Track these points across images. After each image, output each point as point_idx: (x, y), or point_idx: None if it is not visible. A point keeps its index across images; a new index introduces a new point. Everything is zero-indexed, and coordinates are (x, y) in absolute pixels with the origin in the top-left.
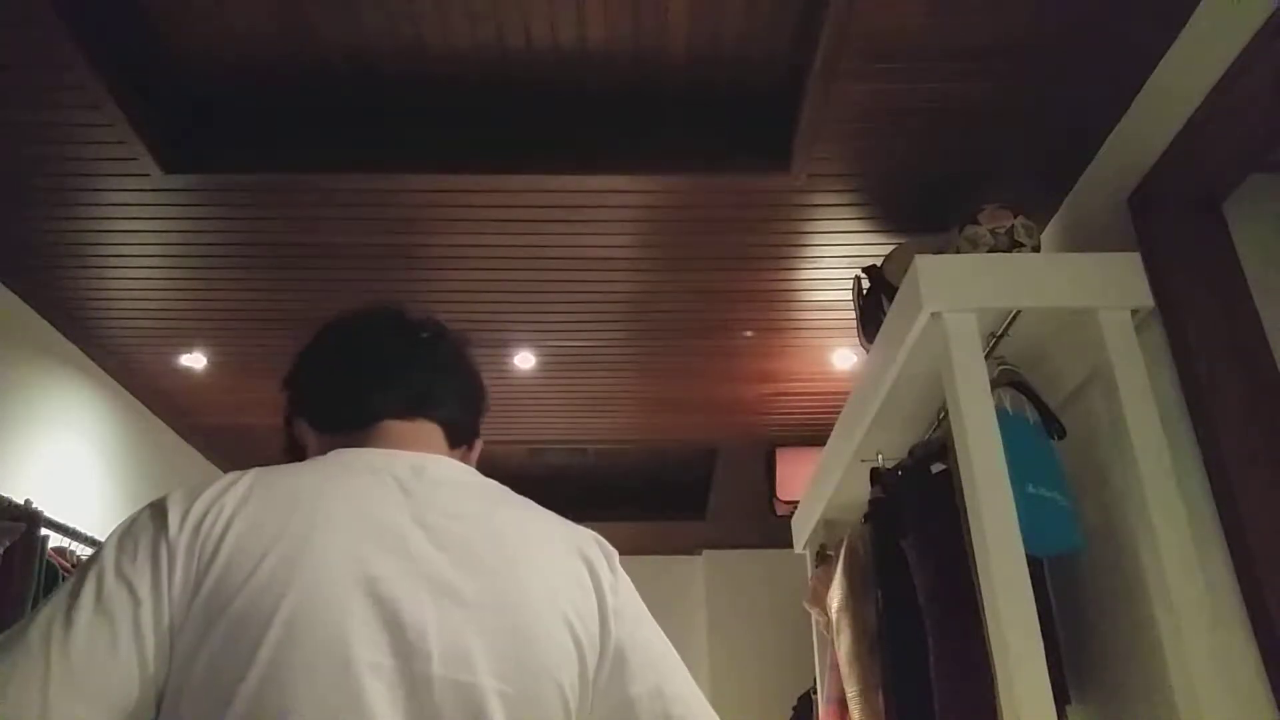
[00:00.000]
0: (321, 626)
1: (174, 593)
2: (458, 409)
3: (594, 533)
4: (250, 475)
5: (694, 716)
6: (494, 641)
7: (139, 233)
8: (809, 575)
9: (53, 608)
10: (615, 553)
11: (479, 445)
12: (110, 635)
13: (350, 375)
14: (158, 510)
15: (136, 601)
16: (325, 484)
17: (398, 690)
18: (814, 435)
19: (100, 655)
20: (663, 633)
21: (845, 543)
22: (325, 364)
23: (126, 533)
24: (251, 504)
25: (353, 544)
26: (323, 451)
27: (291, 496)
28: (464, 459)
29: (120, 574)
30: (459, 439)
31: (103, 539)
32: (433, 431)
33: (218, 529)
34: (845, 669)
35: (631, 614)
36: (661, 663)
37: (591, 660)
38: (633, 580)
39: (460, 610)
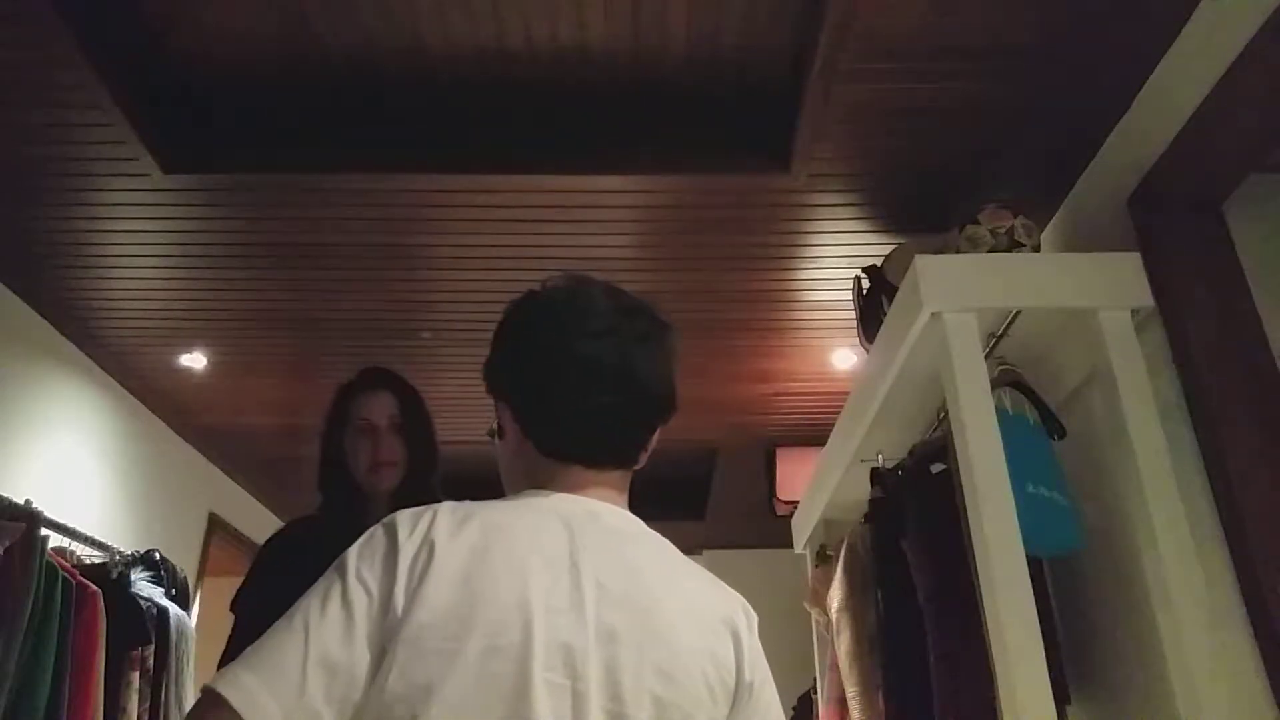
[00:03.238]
0: (511, 641)
1: (396, 599)
2: (644, 446)
3: (737, 595)
4: (455, 506)
5: None
6: (638, 680)
7: (139, 233)
8: (809, 575)
9: (305, 604)
10: (755, 618)
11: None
12: (349, 622)
13: (572, 421)
14: (390, 528)
15: (370, 599)
16: (517, 521)
17: (563, 706)
18: (814, 435)
19: (344, 641)
20: (780, 704)
21: (845, 543)
22: (553, 393)
23: (365, 544)
24: (460, 533)
25: (535, 574)
26: (521, 464)
27: (490, 528)
28: (640, 461)
29: (360, 578)
30: (635, 462)
31: (103, 539)
32: (616, 476)
33: (431, 550)
34: (845, 669)
35: (761, 673)
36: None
37: (724, 707)
38: None
39: (614, 646)
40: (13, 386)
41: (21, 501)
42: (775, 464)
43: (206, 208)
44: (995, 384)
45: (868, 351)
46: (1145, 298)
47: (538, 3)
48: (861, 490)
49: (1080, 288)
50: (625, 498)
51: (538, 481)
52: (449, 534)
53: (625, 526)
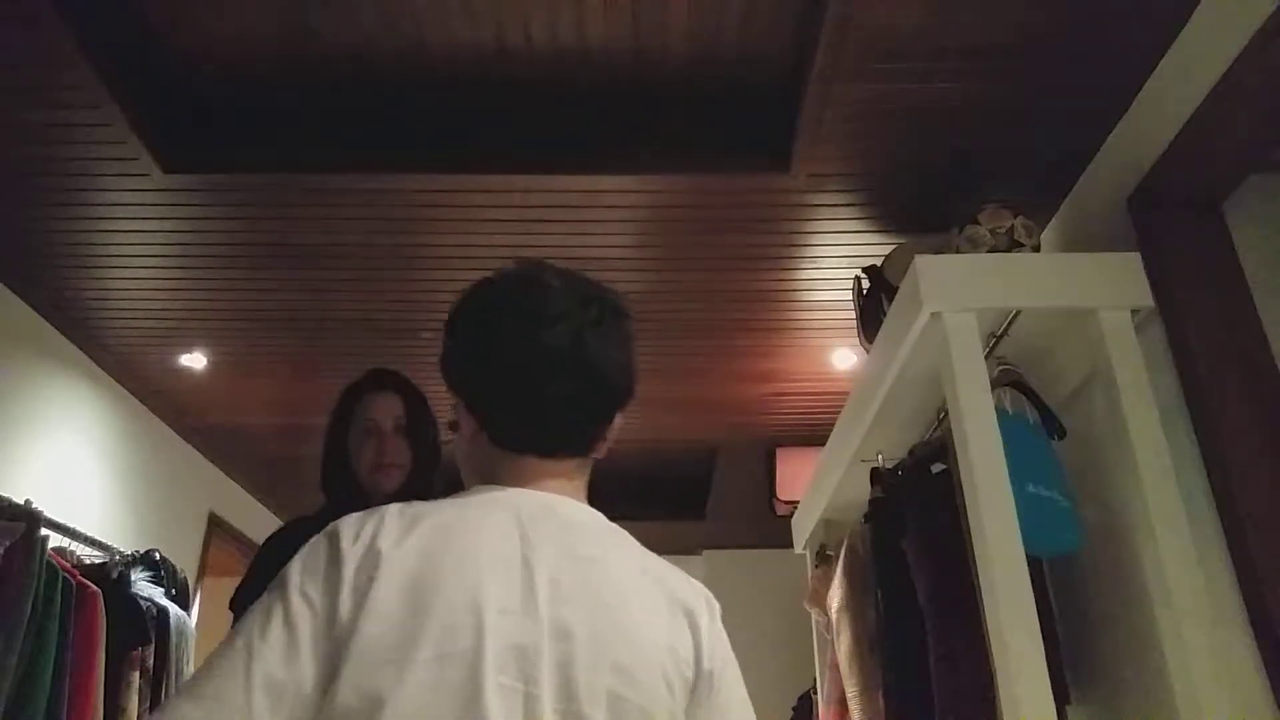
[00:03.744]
0: (461, 647)
1: (341, 611)
2: (601, 436)
3: (700, 585)
4: (403, 509)
5: None
6: (594, 677)
7: (139, 233)
8: (809, 575)
9: (248, 623)
10: (717, 607)
11: (618, 419)
12: (292, 640)
13: (528, 410)
14: (333, 536)
15: (314, 614)
16: (466, 521)
17: (515, 710)
18: (814, 435)
19: (287, 661)
20: (744, 688)
21: (845, 543)
22: (509, 382)
23: (308, 555)
24: (407, 537)
25: (487, 576)
26: (476, 456)
27: (439, 530)
28: (598, 450)
29: (303, 592)
30: (592, 452)
31: (103, 539)
32: (572, 466)
33: (377, 557)
34: (845, 669)
35: (721, 660)
36: (741, 709)
37: (682, 699)
38: None
39: (568, 644)
40: (13, 386)
41: (21, 501)
42: (775, 464)
43: (206, 208)
44: (995, 384)
45: (868, 351)
46: (1145, 298)
47: (538, 3)
48: (861, 490)
49: (1080, 288)
50: (583, 489)
51: (491, 474)
52: (395, 539)
53: (581, 519)
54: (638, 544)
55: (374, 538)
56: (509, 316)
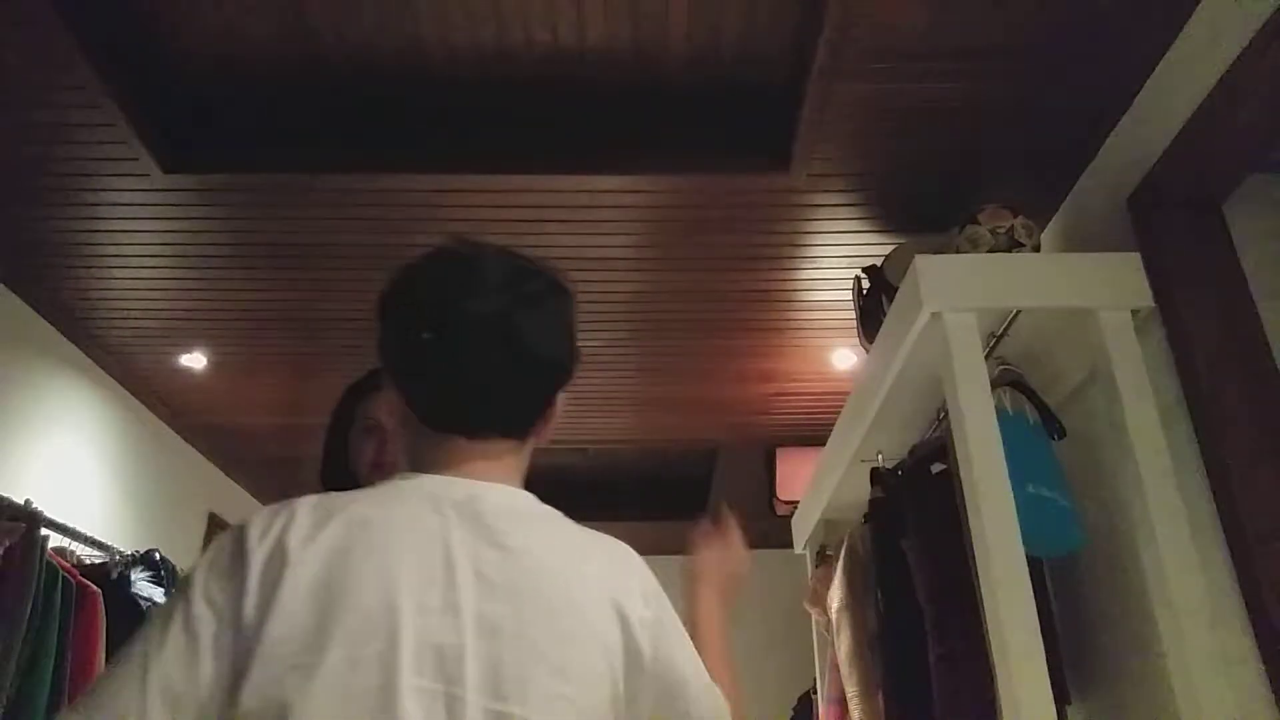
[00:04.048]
0: (375, 650)
1: (246, 613)
2: (536, 418)
3: (636, 559)
4: (316, 503)
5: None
6: (524, 672)
7: (139, 233)
8: (809, 575)
9: (148, 629)
10: (652, 583)
11: (561, 398)
12: (192, 647)
13: (450, 385)
14: (239, 534)
15: (218, 617)
16: (384, 514)
17: (437, 713)
18: (814, 435)
19: (186, 668)
20: (694, 654)
21: (845, 543)
22: (422, 361)
23: (213, 554)
24: (319, 533)
25: (404, 574)
26: (406, 439)
27: (352, 525)
28: (537, 435)
29: (206, 594)
30: (529, 432)
31: (103, 539)
32: (503, 449)
33: (284, 555)
34: (845, 669)
35: (664, 635)
36: (688, 686)
37: (622, 685)
38: None
39: (496, 641)
40: (13, 386)
41: (21, 501)
42: (775, 464)
43: (206, 208)
44: (995, 384)
45: (868, 351)
46: (1145, 298)
47: (538, 3)
48: (861, 490)
49: (1080, 288)
50: (517, 473)
51: (419, 458)
52: (305, 536)
53: (508, 506)
54: (572, 526)
55: (282, 534)
56: (436, 289)
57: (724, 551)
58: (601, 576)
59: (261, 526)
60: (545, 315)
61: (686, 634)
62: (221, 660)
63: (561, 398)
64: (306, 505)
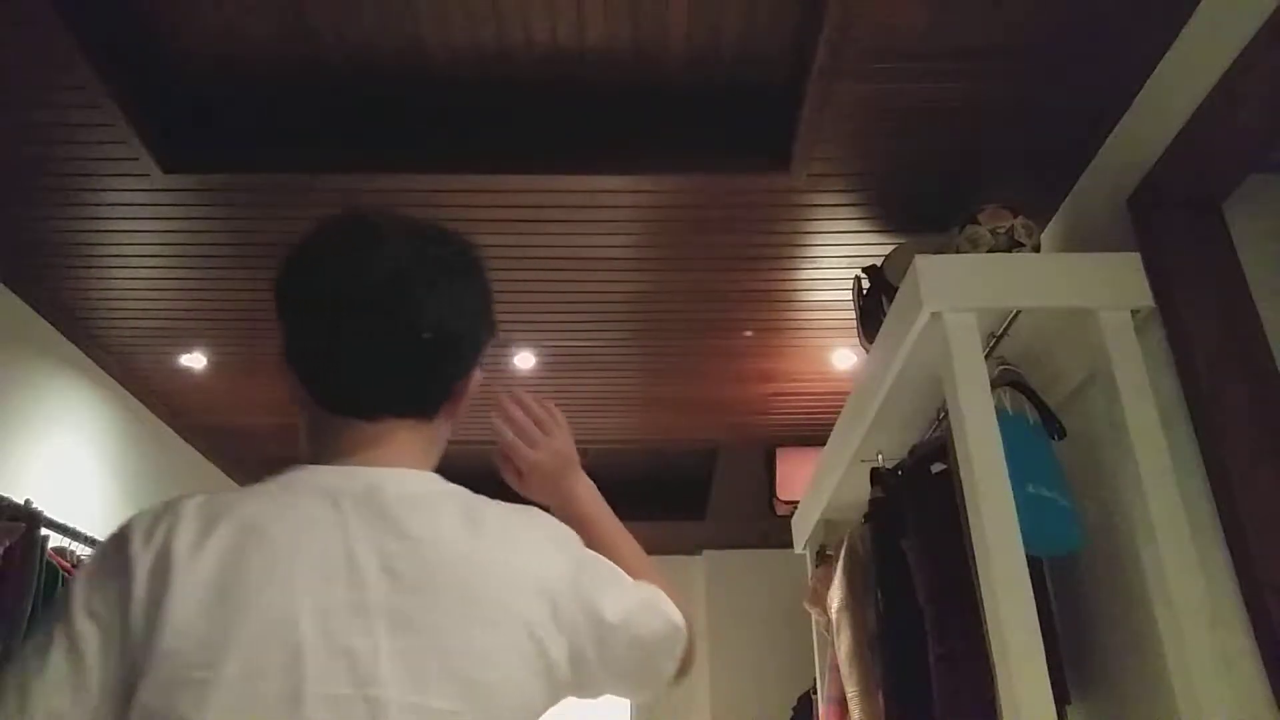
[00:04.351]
0: (276, 663)
1: (133, 625)
2: (440, 396)
3: (547, 520)
4: (203, 503)
5: (652, 660)
6: (445, 663)
7: (139, 233)
8: (809, 575)
9: (25, 653)
10: (569, 536)
11: (475, 377)
12: (77, 668)
13: (340, 360)
14: (120, 541)
15: (102, 633)
16: (277, 514)
17: (354, 718)
18: (814, 435)
19: (74, 692)
20: (620, 587)
21: (845, 543)
22: (312, 339)
23: (95, 564)
24: (207, 538)
25: (303, 576)
26: (304, 424)
27: (244, 528)
28: (448, 414)
29: (88, 607)
30: (434, 412)
31: (103, 539)
32: (403, 431)
33: (170, 562)
34: (845, 669)
35: (590, 588)
36: (629, 622)
37: (557, 652)
38: None
39: (411, 635)
40: (13, 386)
41: (21, 501)
42: (775, 464)
43: (206, 208)
44: (995, 384)
45: (868, 351)
46: (1145, 298)
47: (538, 3)
48: (861, 490)
49: (1080, 288)
50: (423, 455)
51: (317, 443)
52: (192, 542)
53: (414, 492)
54: (482, 503)
55: (167, 540)
56: (323, 261)
57: (553, 433)
58: (517, 550)
59: (144, 532)
60: (447, 286)
61: (609, 571)
62: (108, 679)
63: (478, 374)
64: (192, 507)
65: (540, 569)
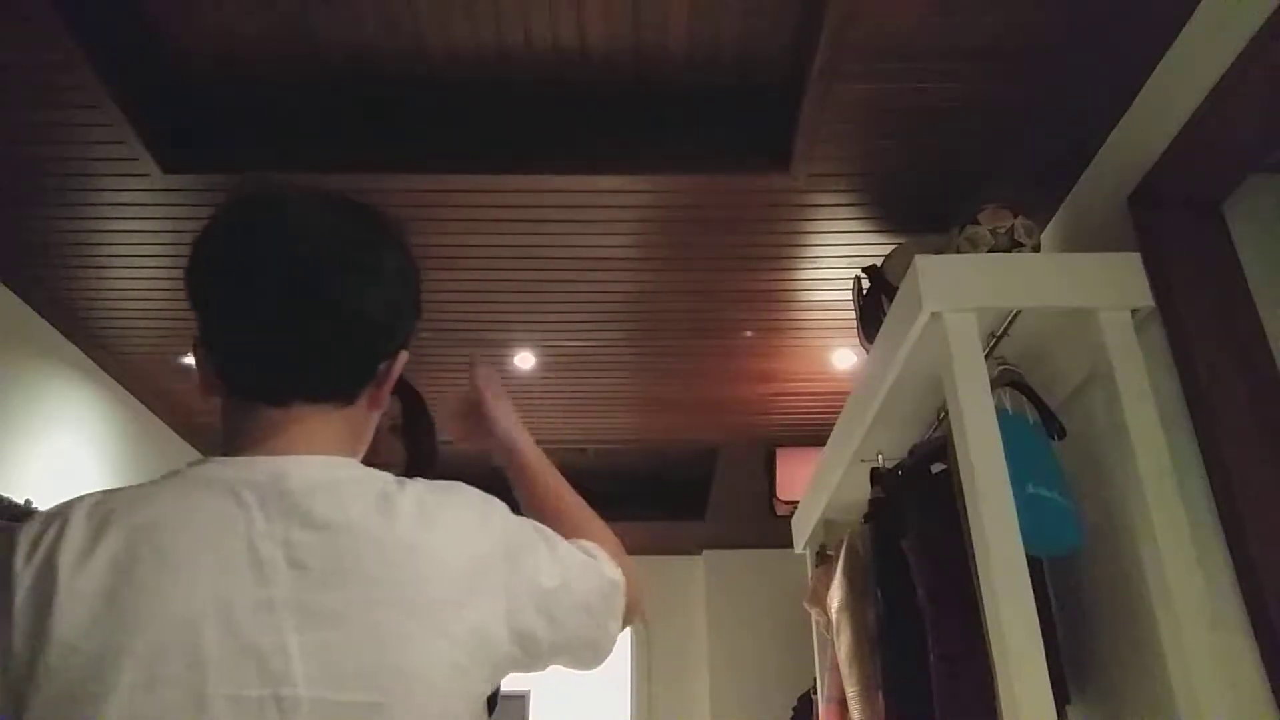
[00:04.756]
0: (176, 667)
1: (14, 653)
2: (357, 380)
3: (474, 498)
4: (95, 505)
5: (593, 624)
6: (361, 655)
7: (139, 233)
8: (809, 575)
9: None
10: (500, 509)
11: (400, 360)
12: None
13: (239, 345)
14: (6, 544)
15: None
16: (171, 513)
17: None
18: (814, 435)
19: None
20: (554, 551)
21: (845, 543)
22: (220, 321)
23: None
24: (96, 545)
25: (204, 576)
26: (219, 411)
27: (137, 529)
28: (371, 401)
29: None
30: (352, 397)
31: None
32: (317, 417)
33: (54, 575)
34: (845, 669)
35: (525, 562)
36: (569, 586)
37: (500, 631)
38: None
39: (323, 629)
40: (13, 386)
41: (21, 501)
42: (775, 464)
43: (206, 208)
44: (995, 384)
45: (868, 351)
46: (1145, 298)
47: (538, 3)
48: (861, 490)
49: (1080, 288)
50: (342, 442)
51: (230, 432)
52: (80, 550)
53: (325, 479)
54: (404, 487)
55: (52, 550)
56: (229, 239)
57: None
58: (435, 529)
59: (28, 542)
60: (359, 264)
61: (539, 534)
62: (9, 671)
63: (402, 356)
64: (81, 512)
65: (465, 544)
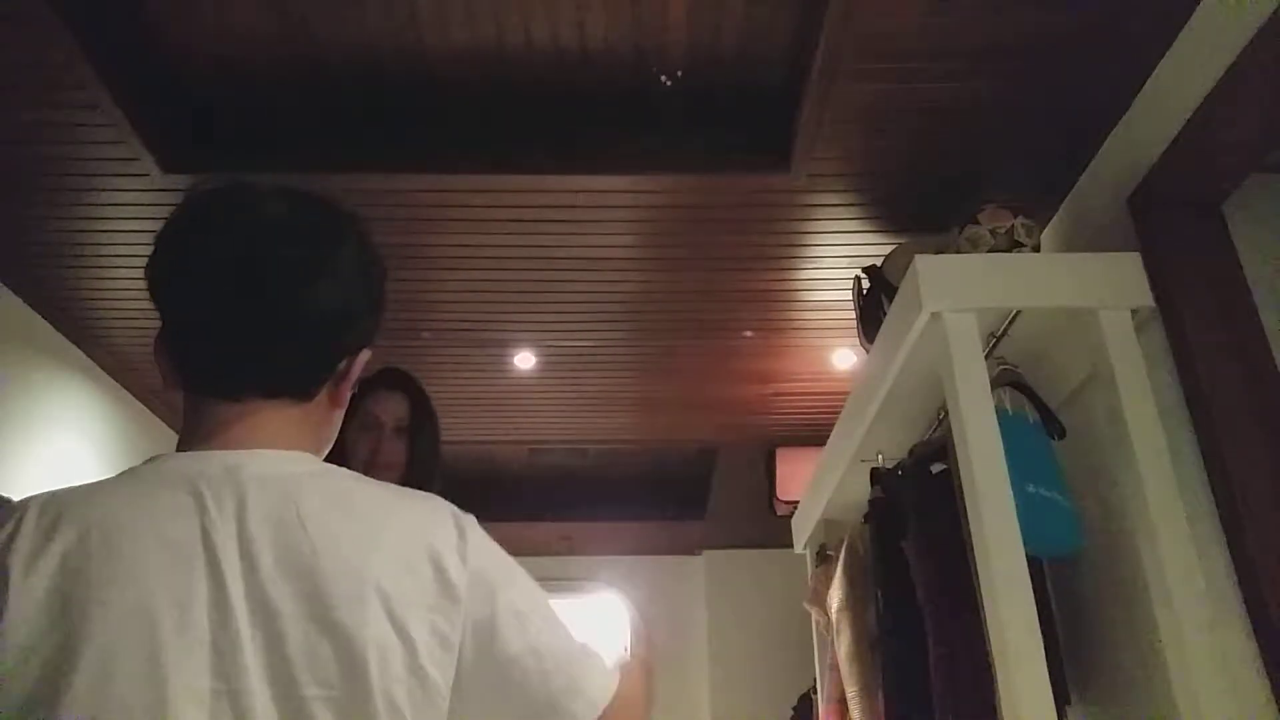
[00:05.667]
0: (132, 662)
1: None
2: (312, 375)
3: (442, 505)
4: (46, 504)
5: (564, 669)
6: (313, 648)
7: (139, 233)
8: (809, 575)
9: None
10: (470, 522)
11: (361, 358)
12: None
13: (194, 338)
14: None
15: None
16: (125, 508)
17: (222, 713)
18: (814, 435)
19: None
20: (531, 588)
21: (845, 543)
22: (177, 315)
23: None
24: (49, 544)
25: (157, 572)
26: (181, 408)
27: (90, 527)
28: (332, 399)
29: None
30: (308, 392)
31: None
32: (272, 411)
33: (5, 576)
34: (845, 669)
35: (488, 582)
36: (529, 623)
37: (431, 645)
38: (633, 580)
39: (277, 622)
40: (13, 386)
41: None
42: (775, 464)
43: None
44: (995, 384)
45: (868, 351)
46: (1145, 298)
47: (538, 3)
48: (861, 490)
49: (1080, 288)
50: (298, 437)
51: (187, 428)
52: (31, 550)
53: (277, 473)
54: (364, 485)
55: (4, 551)
56: (187, 233)
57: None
58: (389, 526)
59: (7, 532)
60: (315, 257)
61: (517, 567)
62: None
63: (364, 354)
64: (34, 510)
65: (419, 539)
